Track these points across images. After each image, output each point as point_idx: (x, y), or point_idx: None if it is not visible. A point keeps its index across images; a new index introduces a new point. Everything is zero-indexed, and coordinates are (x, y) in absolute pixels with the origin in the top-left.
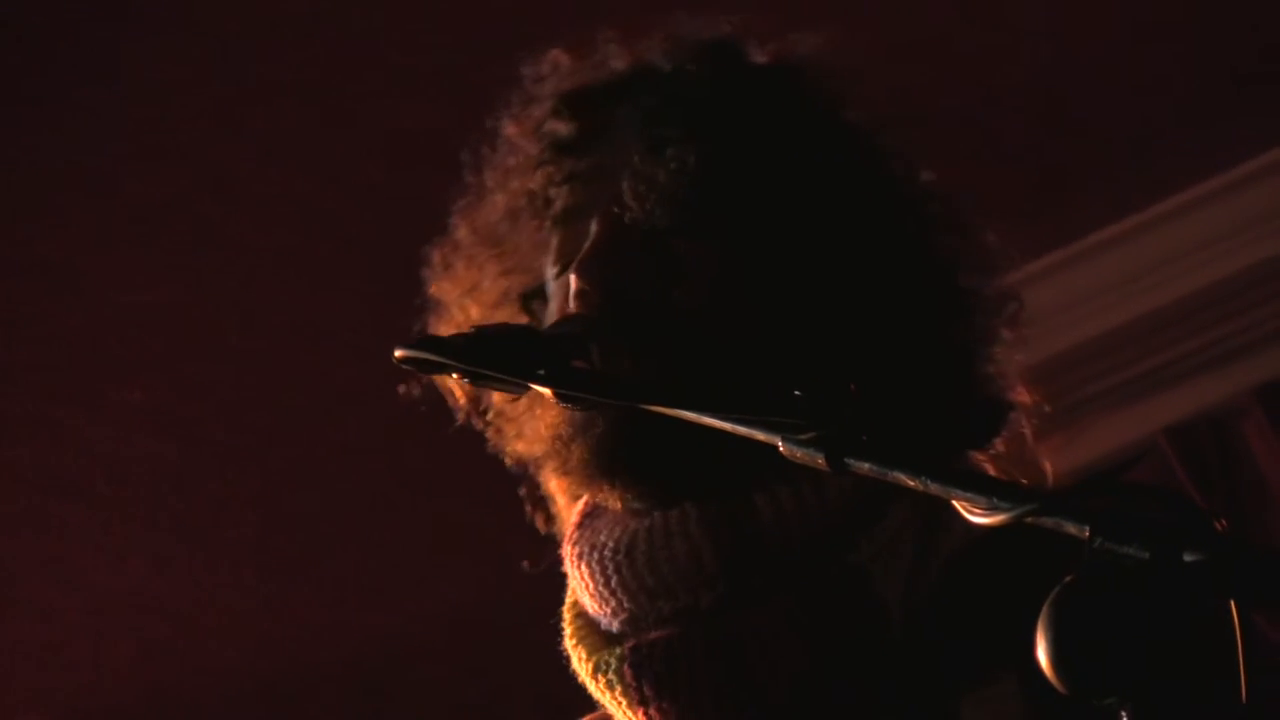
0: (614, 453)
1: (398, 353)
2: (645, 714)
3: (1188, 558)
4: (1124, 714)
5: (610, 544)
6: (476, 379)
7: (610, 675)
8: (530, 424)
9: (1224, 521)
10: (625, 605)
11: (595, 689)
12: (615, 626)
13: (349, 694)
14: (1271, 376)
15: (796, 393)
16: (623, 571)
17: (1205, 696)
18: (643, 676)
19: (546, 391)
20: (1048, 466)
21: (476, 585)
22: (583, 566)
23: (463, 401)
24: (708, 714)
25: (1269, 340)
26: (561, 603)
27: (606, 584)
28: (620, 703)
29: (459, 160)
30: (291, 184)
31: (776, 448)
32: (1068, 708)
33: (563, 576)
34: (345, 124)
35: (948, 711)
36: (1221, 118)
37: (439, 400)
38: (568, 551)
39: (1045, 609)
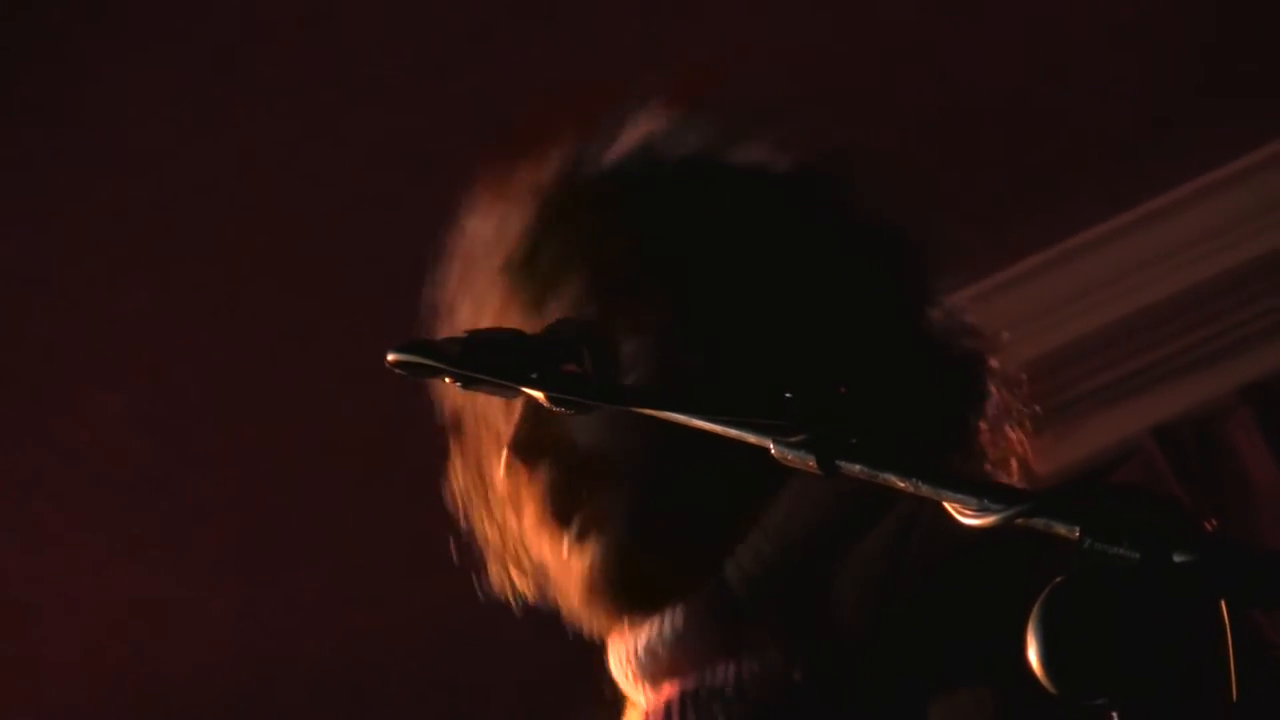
0: (608, 585)
1: (390, 356)
2: None
3: (1178, 558)
4: (1115, 715)
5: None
6: (469, 383)
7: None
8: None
9: (1213, 521)
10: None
11: None
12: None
13: (331, 696)
14: (1257, 376)
15: (787, 395)
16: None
17: (1197, 696)
18: (656, 714)
19: (539, 395)
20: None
21: (456, 590)
22: None
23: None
24: None
25: (1255, 340)
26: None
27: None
28: None
29: (440, 164)
30: (274, 188)
31: (767, 450)
32: (1048, 714)
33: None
34: (328, 129)
35: (912, 708)
36: (1204, 120)
37: (420, 406)
38: None
39: (1036, 609)
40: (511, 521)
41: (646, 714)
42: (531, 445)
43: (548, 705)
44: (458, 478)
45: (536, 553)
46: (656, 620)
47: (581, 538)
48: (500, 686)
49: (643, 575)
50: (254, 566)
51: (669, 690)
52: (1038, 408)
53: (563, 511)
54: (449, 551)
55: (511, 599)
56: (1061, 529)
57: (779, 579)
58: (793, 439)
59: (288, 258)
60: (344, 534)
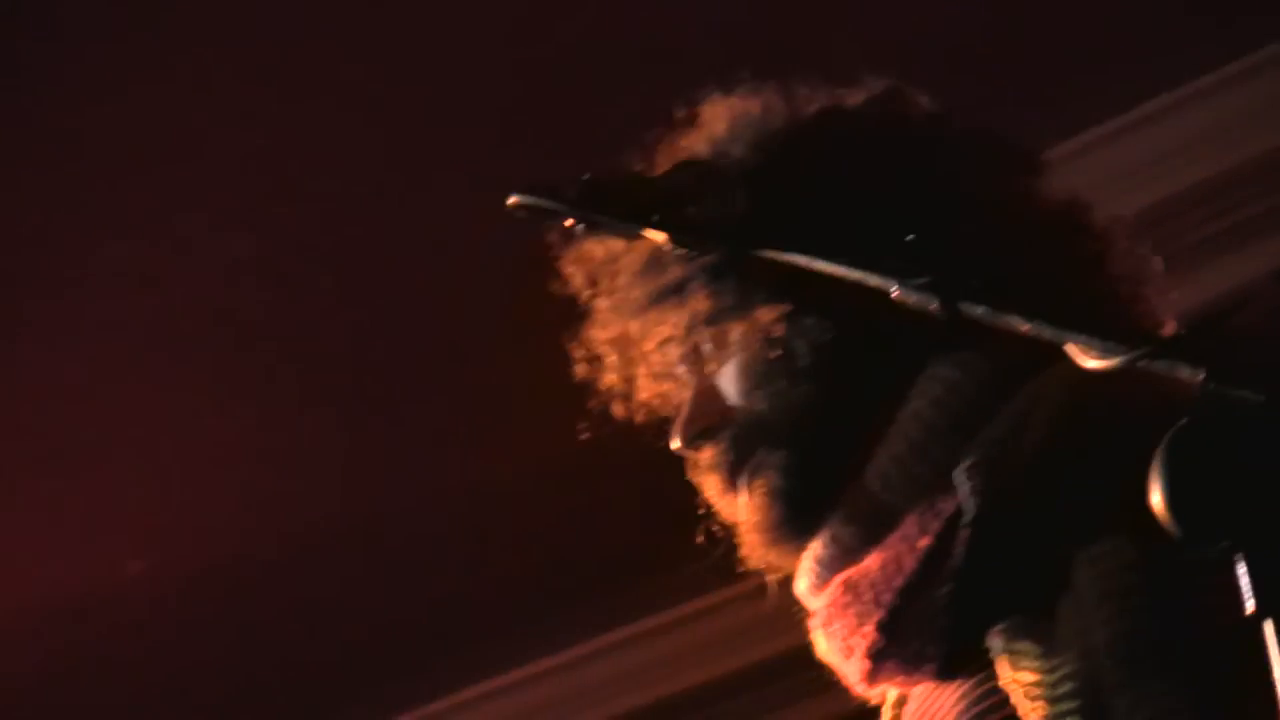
0: (777, 528)
1: (510, 199)
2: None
3: None
4: (1238, 558)
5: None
6: (590, 225)
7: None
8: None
9: None
10: None
11: None
12: None
13: (447, 540)
14: None
15: (910, 238)
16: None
17: None
18: (822, 627)
19: (660, 237)
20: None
21: (563, 433)
22: None
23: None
24: (856, 644)
25: None
26: (648, 451)
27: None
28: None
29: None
30: (393, 30)
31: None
32: (1184, 560)
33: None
34: None
35: (1058, 573)
36: None
37: (535, 250)
38: None
39: (1159, 453)
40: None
41: (820, 620)
42: (693, 435)
43: (654, 549)
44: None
45: (727, 517)
46: (819, 535)
47: (750, 493)
48: (612, 530)
49: (801, 508)
50: (372, 411)
51: (833, 587)
52: (1156, 256)
53: (732, 476)
54: (567, 396)
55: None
56: (1184, 372)
57: (909, 471)
58: (916, 281)
59: (406, 99)
60: (464, 376)
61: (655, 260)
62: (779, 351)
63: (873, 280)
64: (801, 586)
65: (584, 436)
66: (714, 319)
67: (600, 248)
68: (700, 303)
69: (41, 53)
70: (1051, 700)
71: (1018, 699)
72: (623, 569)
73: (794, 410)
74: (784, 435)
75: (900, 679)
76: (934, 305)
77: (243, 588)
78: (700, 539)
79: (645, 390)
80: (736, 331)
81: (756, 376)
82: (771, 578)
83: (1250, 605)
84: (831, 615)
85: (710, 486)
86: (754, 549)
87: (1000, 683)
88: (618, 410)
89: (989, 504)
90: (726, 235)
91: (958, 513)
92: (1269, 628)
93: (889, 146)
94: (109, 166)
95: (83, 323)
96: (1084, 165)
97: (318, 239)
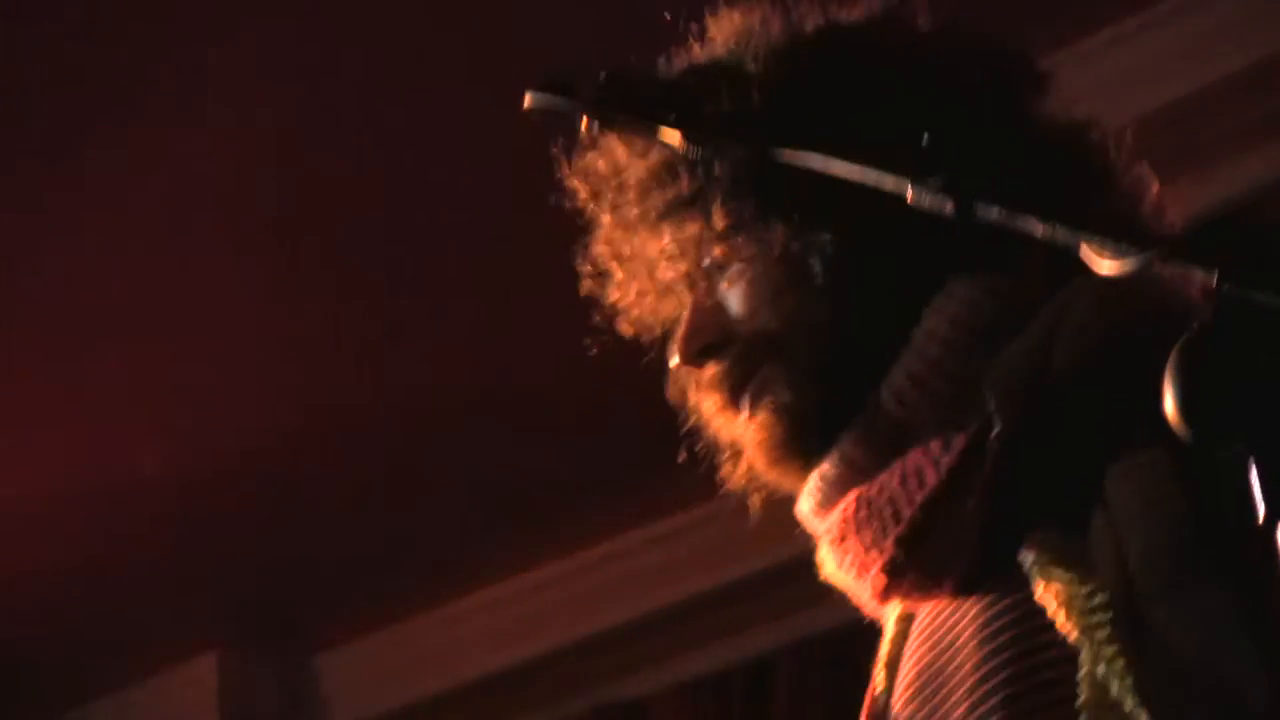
0: (781, 445)
1: (528, 98)
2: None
3: None
4: (1253, 459)
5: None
6: (607, 122)
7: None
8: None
9: None
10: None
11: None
12: None
13: (482, 429)
14: None
15: (924, 138)
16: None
17: None
18: (832, 545)
19: (676, 134)
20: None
21: (593, 329)
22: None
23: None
24: (871, 560)
25: None
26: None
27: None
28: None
29: None
30: None
31: (903, 199)
32: (1220, 468)
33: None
34: None
35: (1090, 485)
36: None
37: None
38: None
39: (1172, 355)
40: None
41: (829, 538)
42: (693, 349)
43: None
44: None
45: (727, 434)
46: (828, 456)
47: (754, 411)
48: (631, 423)
49: (809, 427)
50: (405, 305)
51: (844, 505)
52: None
53: (734, 394)
54: (583, 292)
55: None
56: (1199, 273)
57: (926, 388)
58: (931, 182)
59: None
60: (496, 274)
61: (662, 173)
62: (790, 268)
63: (887, 180)
64: (805, 507)
65: (592, 352)
66: (724, 233)
67: (604, 160)
68: (709, 216)
69: None
70: (1086, 612)
71: (1053, 612)
72: (647, 464)
73: (804, 327)
74: (793, 353)
75: (916, 595)
76: (949, 206)
77: (260, 481)
78: (683, 457)
79: (650, 305)
80: (746, 246)
81: (766, 292)
82: (755, 498)
83: (1261, 511)
84: (844, 531)
85: (709, 404)
86: (755, 469)
87: (1036, 597)
88: (624, 327)
89: (1018, 418)
90: (742, 134)
91: (983, 427)
92: None
93: (898, 53)
94: (135, 49)
95: (101, 210)
96: (1104, 62)
97: (344, 123)
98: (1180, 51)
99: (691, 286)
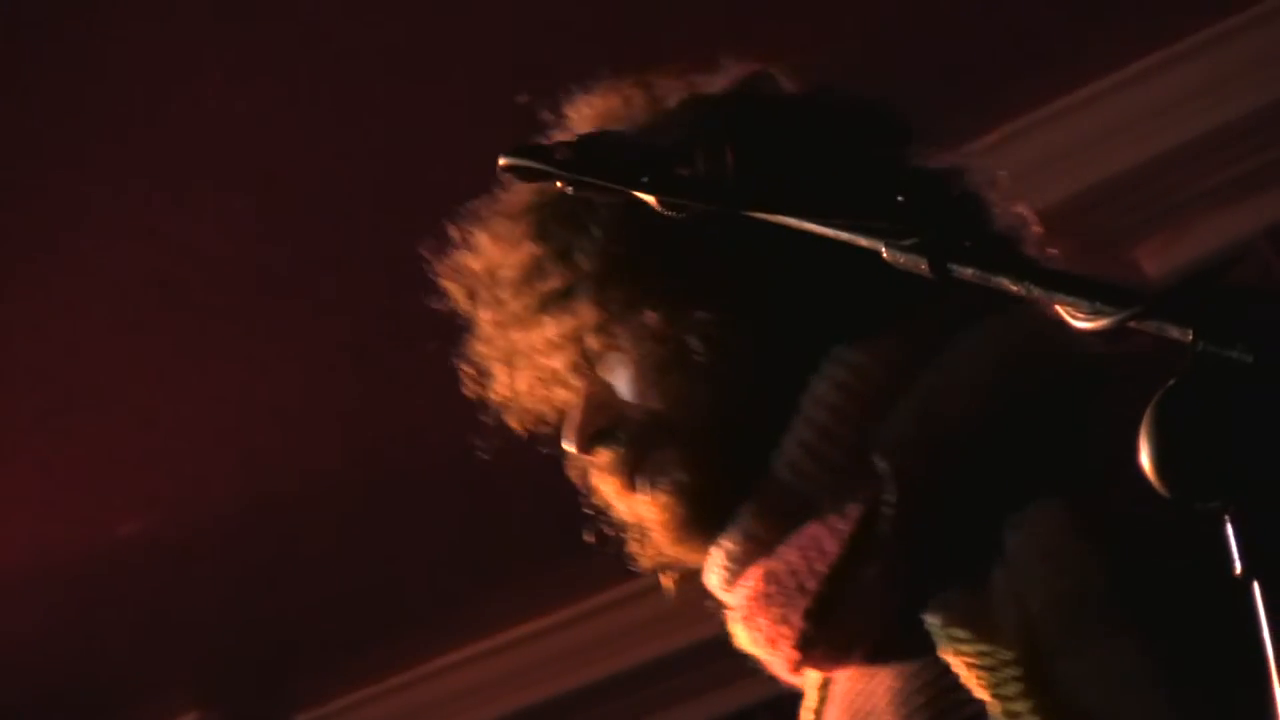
0: (684, 525)
1: (501, 161)
2: (759, 648)
3: None
4: (1227, 517)
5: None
6: (580, 186)
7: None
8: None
9: None
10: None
11: None
12: None
13: (450, 495)
14: None
15: (899, 199)
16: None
17: None
18: (743, 621)
19: (650, 199)
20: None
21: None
22: None
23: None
24: (782, 635)
25: None
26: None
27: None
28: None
29: None
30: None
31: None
32: (1116, 516)
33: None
34: None
35: (989, 542)
36: None
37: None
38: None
39: (1149, 412)
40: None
41: (740, 614)
42: (587, 437)
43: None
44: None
45: (630, 516)
46: (729, 530)
47: (652, 493)
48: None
49: (708, 504)
50: (375, 365)
51: (749, 579)
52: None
53: (631, 477)
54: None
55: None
56: (1174, 331)
57: (819, 457)
58: (905, 242)
59: (408, 51)
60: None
61: (533, 269)
62: (670, 349)
63: (861, 240)
64: (713, 581)
65: (484, 456)
66: (600, 324)
67: (477, 259)
68: (585, 309)
69: (40, 9)
70: (993, 669)
71: (962, 675)
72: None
73: (691, 406)
74: (684, 432)
75: (829, 665)
76: (923, 265)
77: (237, 546)
78: (591, 539)
79: (537, 399)
80: (624, 333)
81: (650, 375)
82: (666, 578)
83: (1238, 566)
84: (753, 608)
85: (608, 488)
86: (660, 548)
87: (941, 660)
88: (512, 423)
89: (911, 481)
90: (716, 195)
91: (878, 493)
92: (1257, 589)
93: (823, 116)
94: (106, 118)
95: (78, 276)
96: (1074, 123)
97: (316, 193)
98: (1152, 111)
99: (579, 373)
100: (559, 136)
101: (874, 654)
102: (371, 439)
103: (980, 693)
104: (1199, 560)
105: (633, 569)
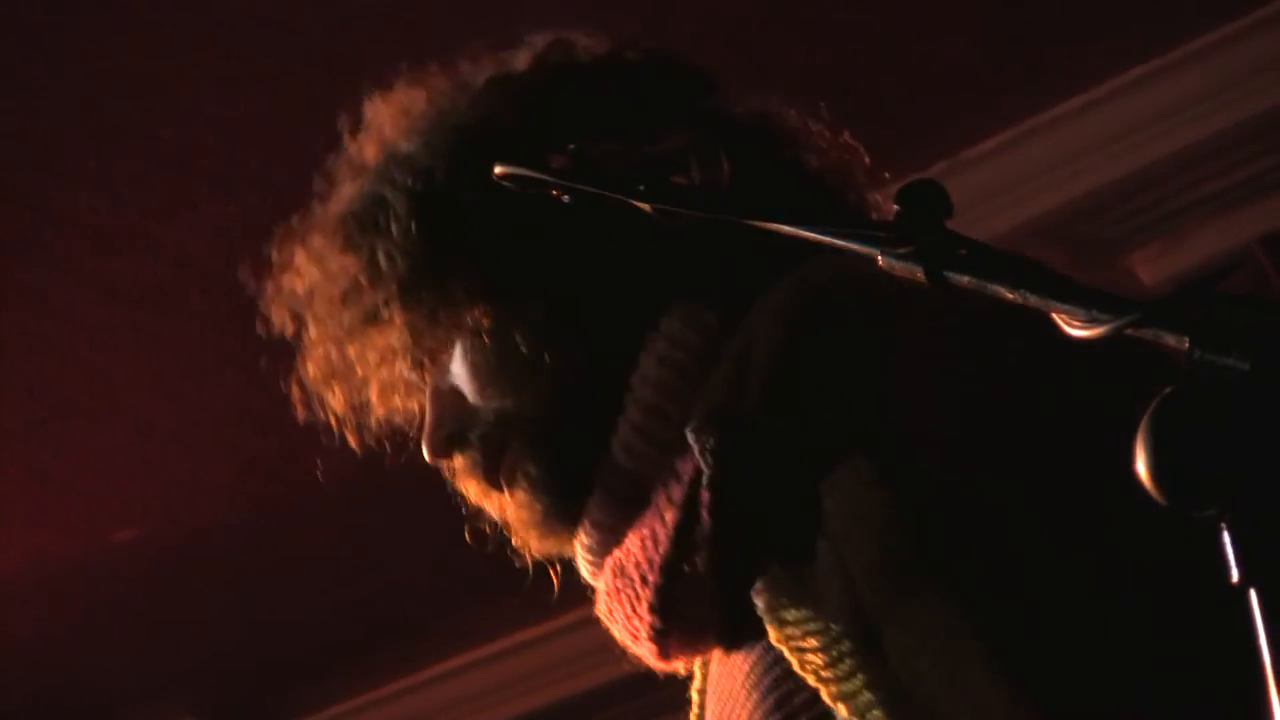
0: (547, 519)
1: (497, 169)
2: (615, 628)
3: None
4: (1223, 525)
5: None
6: (576, 195)
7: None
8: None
9: None
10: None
11: None
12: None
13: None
14: None
15: (895, 207)
16: (587, 557)
17: None
18: (605, 616)
19: (645, 207)
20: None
21: None
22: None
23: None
24: (639, 631)
25: None
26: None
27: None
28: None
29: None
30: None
31: (875, 260)
32: (928, 473)
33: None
34: None
35: (809, 513)
36: None
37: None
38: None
39: (1144, 421)
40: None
41: (600, 609)
42: (439, 443)
43: None
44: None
45: (498, 516)
46: (582, 520)
47: (511, 491)
48: None
49: (563, 495)
50: None
51: (604, 572)
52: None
53: (489, 477)
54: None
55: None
56: (1170, 339)
57: (650, 438)
58: (900, 250)
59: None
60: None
61: (349, 286)
62: (497, 344)
63: (856, 248)
64: (584, 573)
65: (321, 478)
66: (422, 329)
67: (297, 280)
68: (405, 316)
69: (29, 15)
70: (824, 648)
71: (791, 656)
72: None
73: (529, 398)
74: (529, 425)
75: (689, 653)
76: (918, 273)
77: (234, 553)
78: (469, 539)
79: (389, 410)
80: (450, 334)
81: (484, 374)
82: (554, 574)
83: (1235, 575)
84: (609, 602)
85: (471, 490)
86: (531, 545)
87: (772, 642)
88: (353, 440)
89: (723, 458)
90: (712, 204)
91: (697, 474)
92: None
93: (622, 74)
94: (101, 127)
95: (73, 285)
96: (1070, 131)
97: (310, 201)
98: (1149, 119)
99: (416, 381)
100: (361, 138)
101: (727, 640)
102: (366, 447)
103: (808, 676)
104: (1008, 504)
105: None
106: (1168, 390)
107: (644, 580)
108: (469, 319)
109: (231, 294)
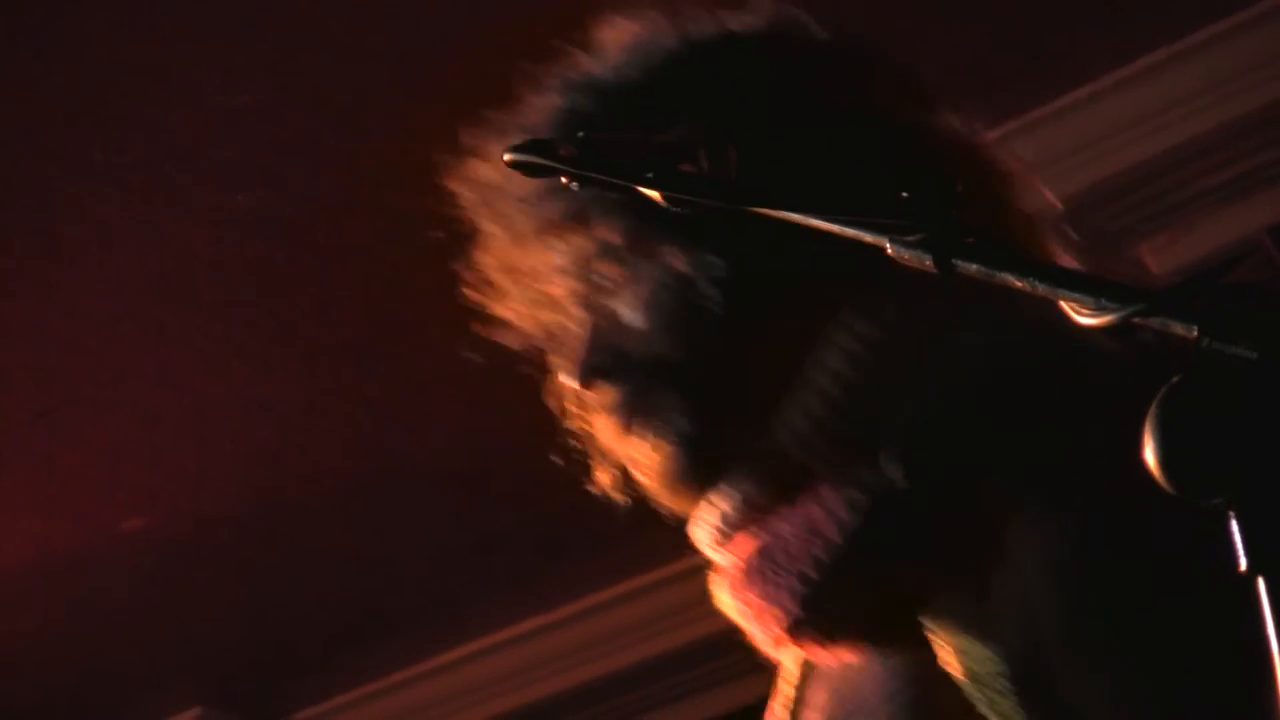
0: (681, 474)
1: (506, 156)
2: (743, 618)
3: None
4: (1230, 514)
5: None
6: (584, 183)
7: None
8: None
9: None
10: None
11: None
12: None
13: (449, 494)
14: None
15: (903, 194)
16: (720, 528)
17: None
18: (731, 588)
19: (654, 195)
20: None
21: None
22: None
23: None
24: (772, 614)
25: None
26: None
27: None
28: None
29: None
30: None
31: (884, 249)
32: (1128, 526)
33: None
34: None
35: (992, 545)
36: None
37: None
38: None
39: (1153, 409)
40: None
41: (728, 580)
42: (589, 371)
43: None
44: (554, 391)
45: (619, 457)
46: (725, 489)
47: (650, 440)
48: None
49: (706, 457)
50: (376, 365)
51: (741, 546)
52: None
53: (628, 421)
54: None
55: (609, 492)
56: (1179, 328)
57: (825, 430)
58: (909, 238)
59: (408, 55)
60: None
61: (552, 185)
62: (686, 293)
63: (866, 237)
64: (700, 536)
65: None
66: (614, 250)
67: (493, 170)
68: (601, 233)
69: (35, 6)
70: (990, 680)
71: (960, 682)
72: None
73: (703, 355)
74: (692, 380)
75: (815, 647)
76: (927, 261)
77: (239, 543)
78: (558, 457)
79: (541, 319)
80: (639, 265)
81: (662, 318)
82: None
83: (1243, 563)
84: (742, 580)
85: (603, 427)
86: (649, 492)
87: (933, 657)
88: (508, 339)
89: (916, 474)
90: (720, 192)
91: (882, 483)
92: (1261, 585)
93: (847, 91)
94: (107, 117)
95: (79, 275)
96: (1078, 121)
97: (316, 191)
98: (1157, 108)
99: (582, 303)
100: (584, 59)
101: (863, 642)
102: (372, 438)
103: (976, 699)
104: (1207, 575)
105: (645, 565)
106: (1175, 379)
107: (798, 572)
108: (666, 257)
109: (239, 284)
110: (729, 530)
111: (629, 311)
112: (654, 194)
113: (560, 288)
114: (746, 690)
